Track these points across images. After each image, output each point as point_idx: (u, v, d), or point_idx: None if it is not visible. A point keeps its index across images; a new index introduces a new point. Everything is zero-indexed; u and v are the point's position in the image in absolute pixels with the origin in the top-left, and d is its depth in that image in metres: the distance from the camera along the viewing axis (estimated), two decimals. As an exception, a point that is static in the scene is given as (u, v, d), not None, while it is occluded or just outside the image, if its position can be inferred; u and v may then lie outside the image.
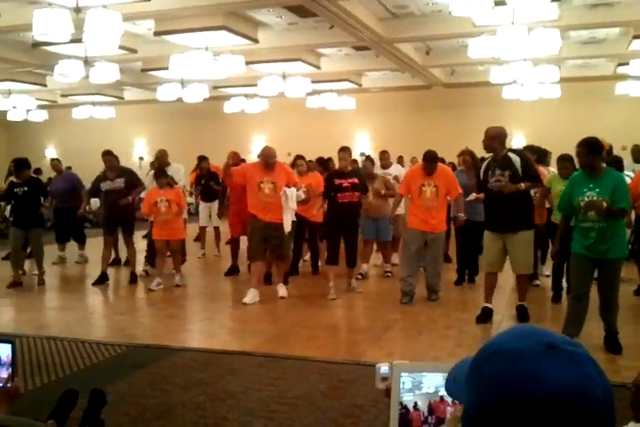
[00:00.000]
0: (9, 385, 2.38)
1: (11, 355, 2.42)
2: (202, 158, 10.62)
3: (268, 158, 7.17)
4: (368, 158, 9.65)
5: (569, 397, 0.80)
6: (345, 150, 7.56)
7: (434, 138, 15.17)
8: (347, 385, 4.41)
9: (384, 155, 9.61)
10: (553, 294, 7.05)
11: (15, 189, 8.36)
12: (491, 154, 6.08)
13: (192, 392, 4.30)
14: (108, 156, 8.69)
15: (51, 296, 8.18)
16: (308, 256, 9.44)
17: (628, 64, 11.92)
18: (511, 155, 5.89)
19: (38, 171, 14.06)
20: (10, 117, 16.82)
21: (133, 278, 8.59)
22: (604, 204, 4.80)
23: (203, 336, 6.04)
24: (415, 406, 1.50)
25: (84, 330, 6.19)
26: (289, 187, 7.20)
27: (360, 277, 8.39)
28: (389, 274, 8.56)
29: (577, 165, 5.77)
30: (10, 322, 6.79)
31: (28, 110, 16.72)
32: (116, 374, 4.75)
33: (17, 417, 2.19)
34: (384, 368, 1.64)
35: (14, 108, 16.02)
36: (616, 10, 9.84)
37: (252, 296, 7.19)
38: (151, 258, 8.85)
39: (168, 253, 8.29)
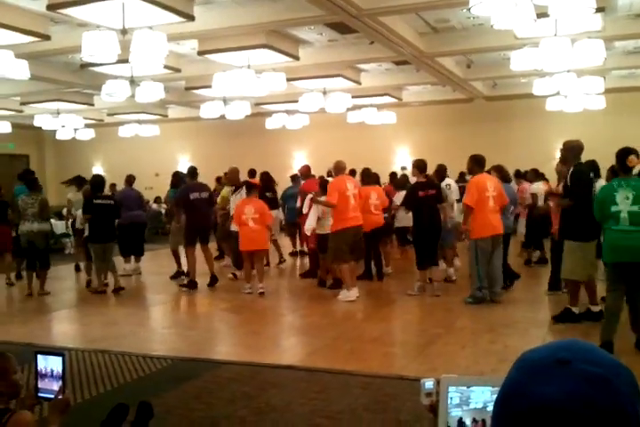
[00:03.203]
0: (60, 397, 2.45)
1: (61, 368, 2.49)
2: (252, 173, 11.63)
3: (341, 171, 8.45)
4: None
5: (549, 412, 0.80)
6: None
7: (475, 151, 14.98)
8: (390, 400, 4.40)
9: (441, 167, 9.83)
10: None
11: (97, 201, 8.84)
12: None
13: (236, 406, 4.34)
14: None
15: (116, 309, 8.35)
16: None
17: (674, 74, 11.70)
18: (572, 168, 6.17)
19: (113, 186, 14.42)
20: (59, 136, 17.29)
21: (193, 284, 9.06)
22: None
23: (247, 350, 6.07)
24: (474, 422, 1.45)
25: (133, 343, 6.31)
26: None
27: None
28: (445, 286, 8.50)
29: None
30: (61, 335, 6.96)
31: (75, 129, 17.11)
32: (163, 386, 4.83)
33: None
34: (429, 383, 1.62)
35: (63, 127, 16.44)
36: (662, 20, 9.66)
37: (351, 293, 7.92)
38: (236, 262, 9.51)
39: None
